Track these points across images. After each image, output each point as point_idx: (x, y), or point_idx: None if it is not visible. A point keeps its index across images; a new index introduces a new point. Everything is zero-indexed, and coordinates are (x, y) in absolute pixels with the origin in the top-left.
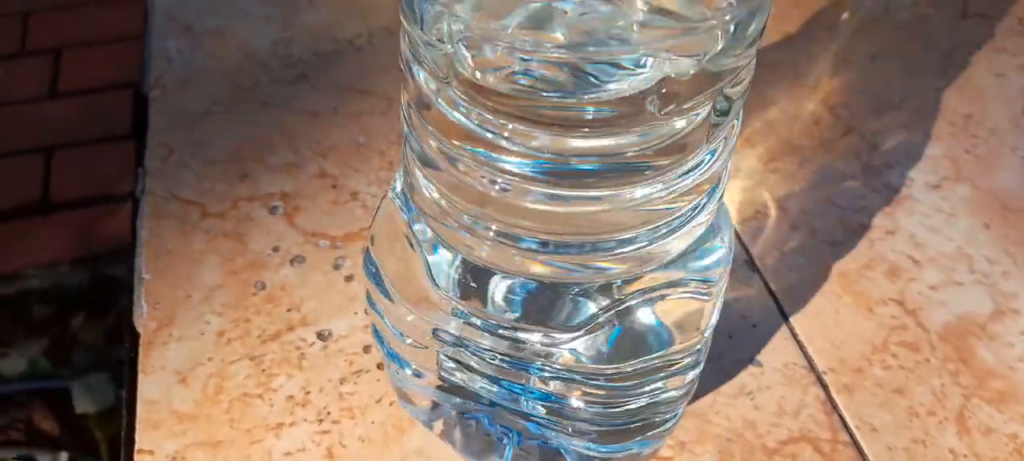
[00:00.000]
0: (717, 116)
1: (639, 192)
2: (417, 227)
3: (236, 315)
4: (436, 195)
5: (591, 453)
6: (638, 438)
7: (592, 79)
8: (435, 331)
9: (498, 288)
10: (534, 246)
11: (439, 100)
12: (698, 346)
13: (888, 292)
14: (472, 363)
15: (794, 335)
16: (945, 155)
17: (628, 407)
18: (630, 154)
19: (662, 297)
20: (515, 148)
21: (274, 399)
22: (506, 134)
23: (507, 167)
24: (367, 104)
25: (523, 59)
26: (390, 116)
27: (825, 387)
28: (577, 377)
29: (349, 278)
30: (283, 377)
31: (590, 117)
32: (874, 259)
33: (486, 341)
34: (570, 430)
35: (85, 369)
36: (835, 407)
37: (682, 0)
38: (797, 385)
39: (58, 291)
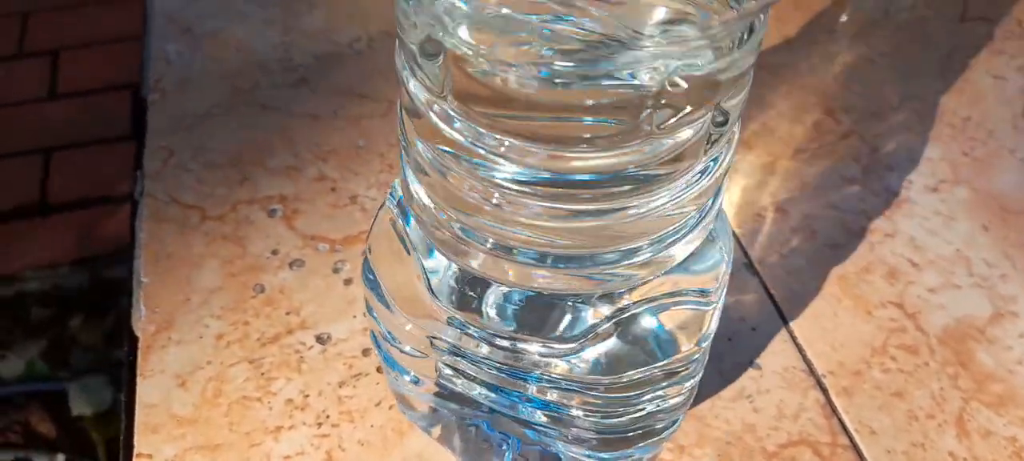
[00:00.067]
0: (715, 128)
1: (636, 205)
2: (414, 235)
3: (235, 318)
4: (432, 205)
5: (590, 459)
6: (638, 445)
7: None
8: (432, 339)
9: (495, 298)
10: (531, 259)
11: (432, 112)
12: (697, 356)
13: (887, 295)
14: (470, 371)
15: (793, 338)
16: (944, 158)
17: (627, 416)
18: (627, 168)
19: (661, 307)
20: (510, 165)
21: (273, 402)
22: (502, 149)
23: (502, 181)
24: (367, 107)
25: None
26: (389, 119)
27: (824, 390)
28: (575, 387)
29: (348, 282)
30: (282, 380)
31: (587, 134)
32: (873, 262)
33: (483, 350)
34: (569, 437)
35: (82, 371)
36: (834, 410)
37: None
38: (796, 388)
39: (57, 293)
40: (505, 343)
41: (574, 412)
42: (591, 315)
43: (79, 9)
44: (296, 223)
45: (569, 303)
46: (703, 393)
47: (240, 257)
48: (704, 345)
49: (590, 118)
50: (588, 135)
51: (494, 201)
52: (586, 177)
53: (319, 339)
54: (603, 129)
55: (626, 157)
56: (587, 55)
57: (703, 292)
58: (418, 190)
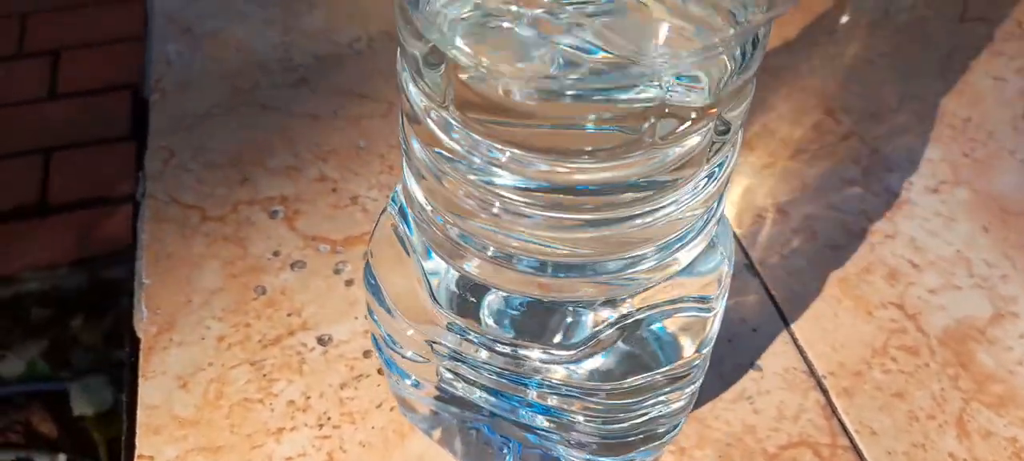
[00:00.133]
0: (718, 136)
1: (641, 212)
2: (414, 240)
3: (236, 320)
4: (430, 208)
5: None
6: (639, 449)
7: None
8: (433, 344)
9: (495, 304)
10: (532, 267)
11: (429, 119)
12: (698, 362)
13: (888, 296)
14: (470, 376)
15: (794, 339)
16: (944, 159)
17: (629, 422)
18: (628, 179)
19: (662, 313)
20: (511, 176)
21: (275, 404)
22: (503, 160)
23: (502, 188)
24: (367, 108)
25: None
26: (390, 120)
27: (825, 391)
28: (576, 393)
29: (349, 283)
30: (284, 382)
31: (589, 147)
32: (874, 263)
33: (483, 355)
34: (570, 441)
35: (84, 371)
36: (835, 411)
37: (695, 28)
38: (797, 389)
39: (57, 293)
40: (505, 349)
41: (575, 417)
42: (593, 321)
43: (79, 9)
44: (297, 224)
45: (570, 309)
46: (704, 395)
47: (241, 258)
48: (705, 351)
49: (592, 128)
50: (590, 147)
51: (494, 210)
52: (589, 186)
53: (320, 340)
54: (605, 141)
55: (628, 169)
56: (591, 71)
57: (704, 298)
58: (417, 193)
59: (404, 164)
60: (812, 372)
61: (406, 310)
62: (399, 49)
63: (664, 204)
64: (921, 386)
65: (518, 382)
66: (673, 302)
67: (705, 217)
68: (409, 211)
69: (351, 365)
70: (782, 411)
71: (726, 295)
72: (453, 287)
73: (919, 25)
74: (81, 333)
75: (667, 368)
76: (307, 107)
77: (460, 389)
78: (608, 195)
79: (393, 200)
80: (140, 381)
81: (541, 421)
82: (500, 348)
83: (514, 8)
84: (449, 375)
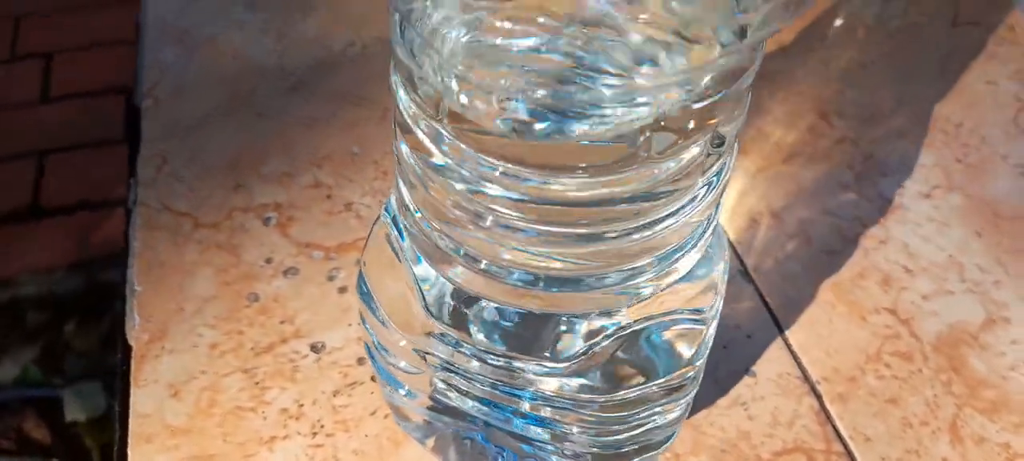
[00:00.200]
0: (713, 148)
1: (634, 227)
2: (407, 249)
3: (229, 327)
4: (421, 219)
5: None
6: (634, 459)
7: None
8: (425, 354)
9: (488, 315)
10: (524, 281)
11: (419, 129)
12: (693, 373)
13: (881, 301)
14: (463, 386)
15: (788, 345)
16: (937, 164)
17: (624, 433)
18: (624, 194)
19: (657, 324)
20: (503, 189)
21: (267, 412)
22: (496, 174)
23: (494, 204)
24: (361, 113)
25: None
26: (384, 125)
27: (819, 397)
28: (569, 404)
29: (343, 290)
30: (276, 390)
31: (583, 163)
32: (867, 268)
33: (475, 366)
34: (565, 452)
35: (77, 377)
36: (829, 417)
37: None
38: (791, 395)
39: (52, 297)
40: (498, 361)
41: (569, 428)
42: (587, 333)
43: (72, 12)
44: (290, 231)
45: (565, 319)
46: (698, 401)
47: (234, 265)
48: (700, 362)
49: (586, 143)
50: (584, 163)
51: (486, 222)
52: (583, 201)
53: (313, 348)
54: (600, 156)
55: (622, 185)
56: (570, 90)
57: (699, 310)
58: (409, 201)
59: (396, 172)
60: (806, 378)
61: (399, 320)
62: (392, 58)
63: (662, 216)
64: (915, 392)
65: (511, 393)
66: (669, 314)
67: (703, 226)
68: (402, 219)
69: (345, 372)
70: (776, 417)
71: (720, 305)
72: (446, 297)
73: (912, 30)
74: (74, 339)
75: (662, 380)
76: (302, 113)
77: (453, 399)
78: (603, 208)
79: (387, 209)
80: (132, 389)
81: (535, 432)
82: (493, 360)
83: (508, 25)
84: (442, 385)
